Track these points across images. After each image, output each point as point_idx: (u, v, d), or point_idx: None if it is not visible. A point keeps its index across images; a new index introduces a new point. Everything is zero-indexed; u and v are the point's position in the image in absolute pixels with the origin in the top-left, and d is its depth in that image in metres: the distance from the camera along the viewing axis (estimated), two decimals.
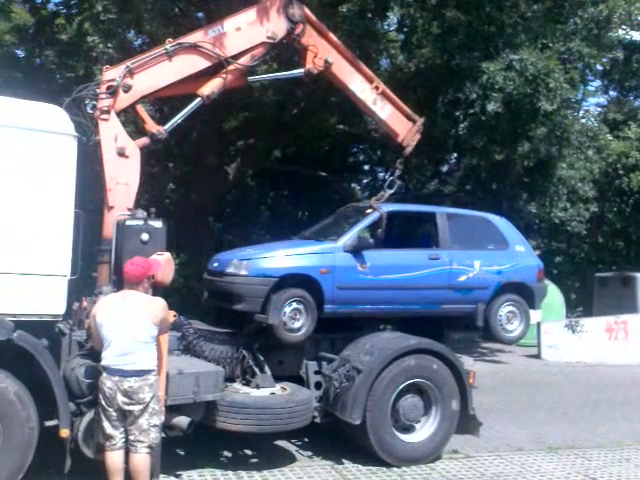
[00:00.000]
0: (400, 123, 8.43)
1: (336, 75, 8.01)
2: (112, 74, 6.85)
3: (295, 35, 7.66)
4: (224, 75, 7.36)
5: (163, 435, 5.70)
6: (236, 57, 7.40)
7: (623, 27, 18.85)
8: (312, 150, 17.66)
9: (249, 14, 7.52)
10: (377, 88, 8.20)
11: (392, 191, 8.26)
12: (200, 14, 13.68)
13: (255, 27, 7.49)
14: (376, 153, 19.64)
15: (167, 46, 7.09)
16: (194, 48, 7.19)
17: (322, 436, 7.29)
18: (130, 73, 6.85)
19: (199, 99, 7.34)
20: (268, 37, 7.52)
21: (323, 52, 7.79)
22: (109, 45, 10.52)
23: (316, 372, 7.16)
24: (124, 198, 6.65)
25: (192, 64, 7.22)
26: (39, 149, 5.47)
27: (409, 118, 8.48)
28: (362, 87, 8.14)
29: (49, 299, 5.48)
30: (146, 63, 6.98)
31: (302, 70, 7.90)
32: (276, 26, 7.55)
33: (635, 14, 19.12)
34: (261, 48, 7.58)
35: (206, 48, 7.20)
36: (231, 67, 7.36)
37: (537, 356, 15.12)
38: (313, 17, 7.89)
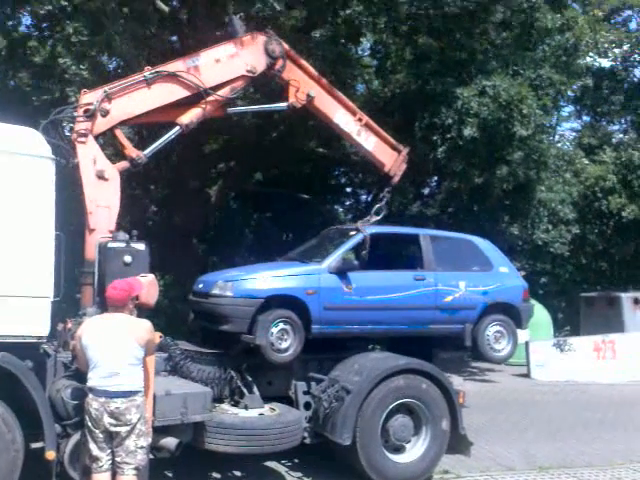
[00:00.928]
0: (385, 153, 8.54)
1: (319, 108, 8.11)
2: (90, 98, 6.84)
3: (276, 70, 7.76)
4: (203, 105, 7.40)
5: (151, 456, 5.59)
6: (216, 88, 7.44)
7: (590, 55, 19.32)
8: (293, 173, 17.70)
9: (229, 47, 7.60)
10: (360, 120, 8.30)
11: (379, 217, 8.37)
12: (174, 37, 13.71)
13: (235, 60, 7.56)
14: (357, 176, 19.74)
15: (146, 73, 7.11)
16: (173, 77, 7.21)
17: (312, 457, 7.22)
18: (108, 98, 6.85)
19: (178, 128, 7.36)
20: (247, 70, 7.60)
21: (305, 86, 7.88)
22: (82, 67, 10.46)
23: (305, 392, 7.10)
24: (105, 221, 6.62)
25: (171, 93, 7.24)
26: (16, 172, 5.44)
27: (394, 148, 8.60)
28: (346, 119, 8.24)
29: (33, 321, 5.42)
30: (124, 89, 6.99)
31: (285, 104, 7.99)
32: (255, 61, 7.64)
33: (601, 42, 19.62)
34: (241, 81, 7.64)
35: (185, 78, 7.23)
36: (210, 98, 7.41)
37: (526, 375, 15.10)
38: (293, 52, 8.00)
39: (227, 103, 7.65)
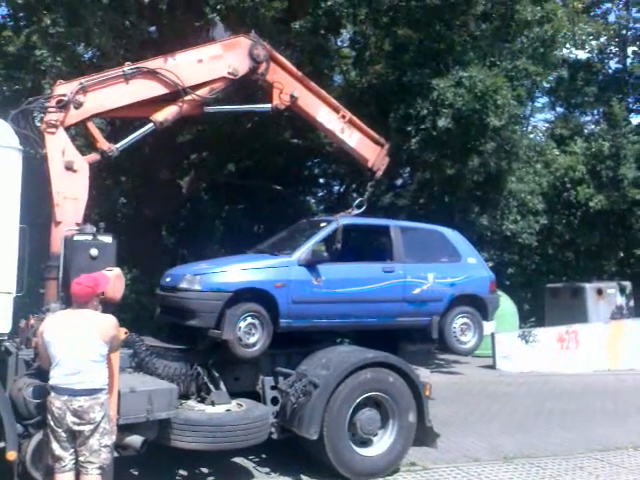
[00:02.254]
0: (369, 148, 8.55)
1: (303, 108, 8.10)
2: (64, 89, 6.77)
3: (259, 74, 7.73)
4: (180, 104, 7.34)
5: (115, 455, 5.54)
6: (195, 87, 7.38)
7: (567, 46, 19.52)
8: (267, 164, 17.62)
9: (213, 48, 7.58)
10: (344, 117, 8.30)
11: (360, 211, 8.40)
12: (152, 28, 13.55)
13: (217, 61, 7.51)
14: (331, 167, 19.72)
15: (125, 68, 7.06)
16: (152, 74, 7.16)
17: (280, 452, 7.21)
18: (83, 90, 6.79)
19: (151, 124, 7.30)
20: (229, 73, 7.55)
21: (288, 87, 7.87)
22: (57, 59, 10.30)
23: (272, 387, 7.09)
24: (72, 213, 6.54)
25: (149, 89, 7.19)
26: None
27: (376, 142, 8.62)
28: (329, 117, 8.24)
29: None
30: (101, 82, 6.94)
31: (268, 106, 7.98)
32: (238, 64, 7.59)
33: (579, 34, 19.82)
34: (221, 82, 7.59)
35: (165, 75, 7.18)
36: (188, 97, 7.35)
37: (492, 366, 15.27)
38: (276, 54, 7.98)
39: (205, 103, 7.59)
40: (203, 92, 7.46)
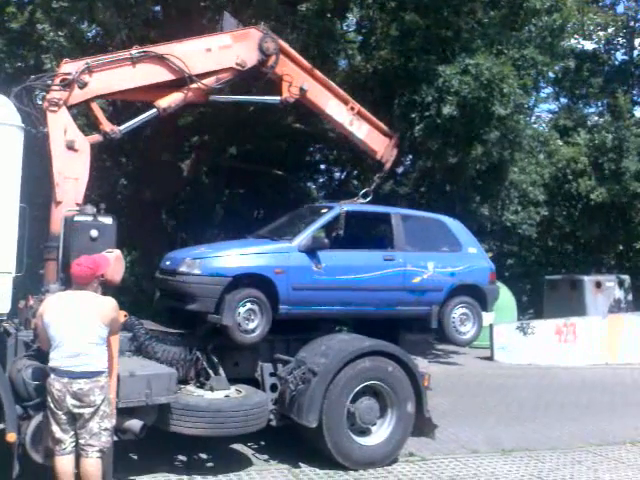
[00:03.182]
0: (378, 140, 8.55)
1: (312, 101, 8.07)
2: (69, 68, 6.72)
3: (268, 66, 7.69)
4: (185, 91, 7.31)
5: (115, 439, 5.51)
6: (201, 76, 7.33)
7: (576, 37, 19.36)
8: (268, 148, 17.49)
9: (222, 38, 7.54)
10: (353, 109, 8.29)
11: (365, 201, 8.44)
12: (157, 7, 13.42)
13: (226, 52, 7.48)
14: (332, 153, 19.61)
15: (133, 51, 7.02)
16: (160, 59, 7.12)
17: (278, 439, 7.19)
18: (89, 70, 6.75)
19: (155, 110, 7.27)
20: (237, 64, 7.52)
21: (298, 80, 7.84)
22: (60, 34, 10.19)
23: (271, 374, 7.06)
24: (72, 193, 6.51)
25: (155, 74, 7.15)
26: None
27: (385, 134, 8.59)
28: (339, 109, 8.22)
29: None
30: (108, 64, 6.91)
31: (277, 98, 7.96)
32: (247, 55, 7.56)
33: (588, 24, 19.65)
34: (228, 73, 7.55)
35: (172, 62, 7.14)
36: (194, 85, 7.30)
37: (490, 358, 15.27)
38: (286, 46, 7.94)
39: (210, 92, 7.54)
40: (209, 81, 7.42)
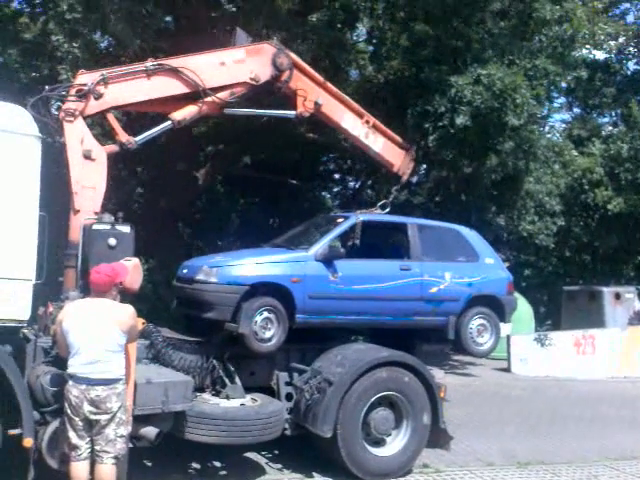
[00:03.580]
0: (394, 153, 8.58)
1: (327, 115, 8.10)
2: (85, 79, 6.79)
3: (282, 81, 7.74)
4: (200, 104, 7.37)
5: (130, 446, 5.55)
6: (216, 89, 7.39)
7: (587, 47, 19.29)
8: (282, 158, 17.56)
9: (237, 52, 7.60)
10: (368, 122, 8.32)
11: (384, 212, 8.46)
12: (168, 18, 13.55)
13: (240, 66, 7.54)
14: (346, 162, 19.64)
15: (148, 64, 7.09)
16: (174, 72, 7.19)
17: (293, 449, 7.19)
18: (104, 82, 6.81)
19: (169, 122, 7.32)
20: (251, 78, 7.57)
21: (312, 94, 7.88)
22: (74, 45, 10.31)
23: (287, 383, 7.06)
24: (90, 202, 6.56)
25: (169, 87, 7.22)
26: (1, 149, 5.33)
27: (401, 147, 8.60)
28: (354, 123, 8.26)
29: (13, 304, 5.34)
30: (123, 76, 6.97)
31: (292, 113, 7.99)
32: (261, 70, 7.62)
33: (598, 34, 19.58)
34: (242, 87, 7.60)
35: (186, 75, 7.20)
36: (208, 99, 7.35)
37: (507, 369, 15.17)
38: (299, 60, 7.99)
39: (224, 105, 7.58)
40: (224, 95, 7.48)
